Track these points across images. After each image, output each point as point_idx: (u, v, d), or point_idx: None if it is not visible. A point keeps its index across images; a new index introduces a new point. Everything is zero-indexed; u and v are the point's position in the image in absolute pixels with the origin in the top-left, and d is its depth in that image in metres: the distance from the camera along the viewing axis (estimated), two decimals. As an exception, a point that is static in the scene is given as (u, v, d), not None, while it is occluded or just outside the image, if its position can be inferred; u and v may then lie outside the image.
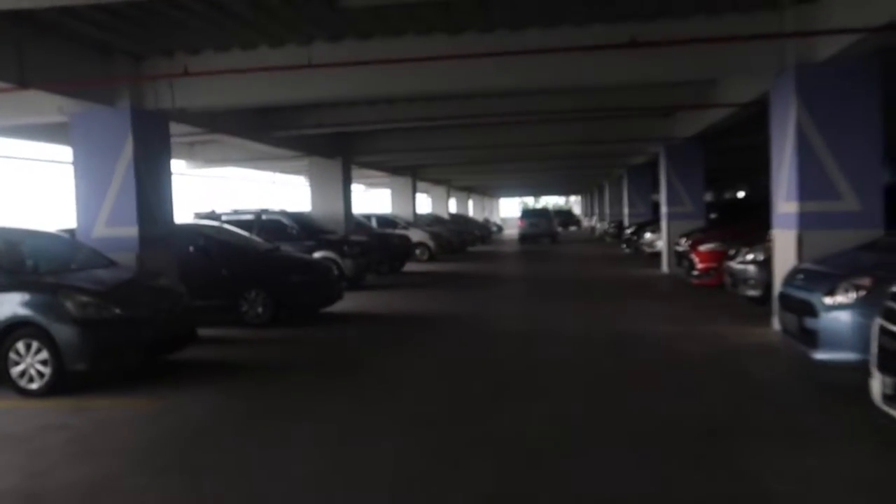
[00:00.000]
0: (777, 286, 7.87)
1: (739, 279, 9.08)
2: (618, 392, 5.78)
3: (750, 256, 8.99)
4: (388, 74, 7.93)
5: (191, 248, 9.78)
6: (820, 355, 5.43)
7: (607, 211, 30.98)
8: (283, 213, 14.62)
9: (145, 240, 8.65)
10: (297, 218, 14.71)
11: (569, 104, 11.71)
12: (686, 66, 7.75)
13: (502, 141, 15.54)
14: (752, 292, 8.89)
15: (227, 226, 11.94)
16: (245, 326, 9.44)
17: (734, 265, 9.24)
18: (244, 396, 6.02)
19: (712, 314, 9.29)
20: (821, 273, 5.85)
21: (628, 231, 21.84)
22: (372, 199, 37.50)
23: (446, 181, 30.86)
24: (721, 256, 10.94)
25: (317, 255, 13.94)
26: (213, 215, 14.52)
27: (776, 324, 7.84)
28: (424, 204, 35.00)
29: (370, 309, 11.18)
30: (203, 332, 7.82)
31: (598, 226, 35.05)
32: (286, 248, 13.40)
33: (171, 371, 6.92)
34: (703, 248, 11.25)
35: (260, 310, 9.58)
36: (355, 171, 20.98)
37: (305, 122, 12.44)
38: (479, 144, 15.55)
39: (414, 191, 24.54)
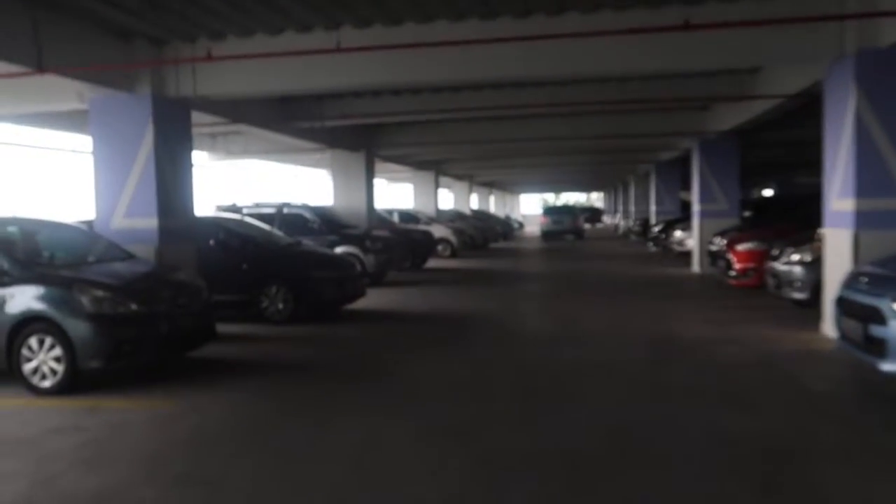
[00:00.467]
0: (829, 289, 7.43)
1: (784, 281, 8.60)
2: (667, 403, 5.36)
3: (796, 257, 8.51)
4: (418, 60, 7.58)
5: (211, 242, 9.49)
6: (888, 366, 4.97)
7: (632, 208, 30.36)
8: (305, 206, 14.34)
9: (165, 232, 8.38)
10: (319, 212, 14.43)
11: (601, 96, 11.28)
12: (738, 52, 7.28)
13: (530, 134, 15.11)
14: (798, 295, 8.40)
15: (248, 219, 11.66)
16: (265, 322, 9.15)
17: (778, 266, 8.75)
18: (264, 398, 5.69)
19: (755, 317, 8.81)
20: (889, 277, 5.38)
21: (655, 229, 21.29)
22: (395, 193, 37.31)
23: (469, 177, 30.45)
24: (761, 256, 10.45)
25: (338, 250, 13.67)
26: (234, 208, 14.31)
27: (827, 329, 7.39)
28: (447, 199, 34.66)
29: (393, 307, 10.84)
30: (222, 328, 7.53)
31: (623, 223, 34.43)
32: (308, 242, 13.24)
33: (189, 369, 6.62)
34: (741, 247, 10.76)
35: (280, 306, 9.27)
36: (378, 166, 20.65)
37: (328, 113, 12.13)
38: (505, 138, 15.13)
39: (437, 186, 24.17)
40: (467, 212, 29.59)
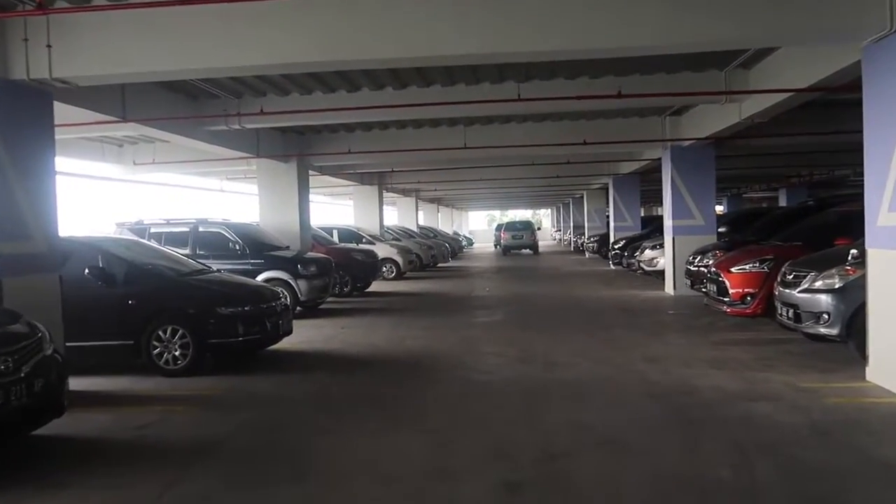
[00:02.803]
0: (876, 325, 5.87)
1: (805, 312, 7.03)
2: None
3: (819, 283, 6.95)
4: (341, 31, 5.74)
5: (86, 271, 7.32)
6: None
7: (587, 224, 29.07)
8: (226, 224, 12.24)
9: (10, 261, 6.20)
10: (243, 230, 12.35)
11: (568, 91, 9.68)
12: (760, 25, 5.71)
13: (483, 141, 13.38)
14: (825, 330, 6.83)
15: (144, 240, 9.53)
16: (157, 374, 7.07)
17: (796, 294, 7.18)
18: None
19: (771, 358, 7.22)
20: None
21: (616, 246, 19.88)
22: (338, 210, 35.08)
23: (415, 191, 28.61)
24: (761, 280, 8.94)
25: (265, 275, 11.68)
26: (138, 226, 12.12)
27: (876, 376, 5.82)
28: (392, 216, 32.73)
29: (327, 346, 8.85)
30: (96, 382, 5.56)
31: (577, 240, 33.19)
32: (226, 267, 11.19)
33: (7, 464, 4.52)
34: (737, 269, 9.21)
35: (177, 352, 7.19)
36: (317, 179, 18.65)
37: (245, 111, 10.10)
38: (452, 145, 13.37)
39: (381, 201, 22.24)
40: (414, 229, 27.75)
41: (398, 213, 30.97)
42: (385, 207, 27.67)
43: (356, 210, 22.43)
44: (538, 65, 9.01)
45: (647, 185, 22.15)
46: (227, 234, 11.94)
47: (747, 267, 9.17)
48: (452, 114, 10.37)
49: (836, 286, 6.76)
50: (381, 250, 18.57)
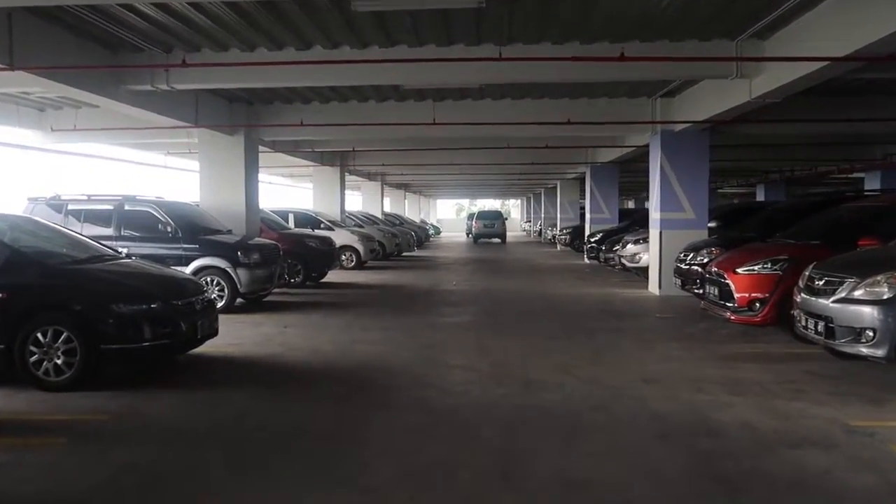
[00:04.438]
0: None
1: (841, 327, 5.78)
2: None
3: (861, 292, 5.70)
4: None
5: (-56, 255, 5.72)
6: None
7: (559, 215, 27.84)
8: (156, 203, 10.59)
9: None
10: (177, 210, 10.71)
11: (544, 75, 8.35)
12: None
13: (456, 118, 11.93)
14: (867, 350, 5.57)
15: (39, 218, 7.90)
16: (35, 387, 5.54)
17: (830, 304, 5.92)
18: None
19: (793, 378, 5.98)
20: None
21: (593, 239, 18.65)
22: (300, 194, 33.25)
23: (380, 175, 27.00)
24: (772, 283, 7.71)
25: (199, 263, 10.15)
26: (55, 201, 10.43)
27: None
28: (356, 202, 31.10)
29: (261, 349, 7.36)
30: None
31: (549, 232, 32.04)
32: (155, 252, 9.72)
33: None
34: (743, 270, 7.97)
35: (60, 360, 5.64)
36: (272, 157, 17.01)
37: (173, 61, 8.47)
38: (420, 121, 11.89)
39: (342, 184, 20.63)
40: (379, 215, 26.21)
41: (362, 199, 29.36)
42: (349, 192, 26.07)
43: (315, 193, 20.79)
44: (522, 23, 7.61)
45: (624, 177, 20.98)
46: (156, 215, 10.31)
47: (756, 268, 7.93)
48: (421, 78, 8.85)
49: (885, 296, 5.51)
50: (341, 237, 17.07)
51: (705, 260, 9.92)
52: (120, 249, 9.41)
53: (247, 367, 6.63)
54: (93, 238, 8.22)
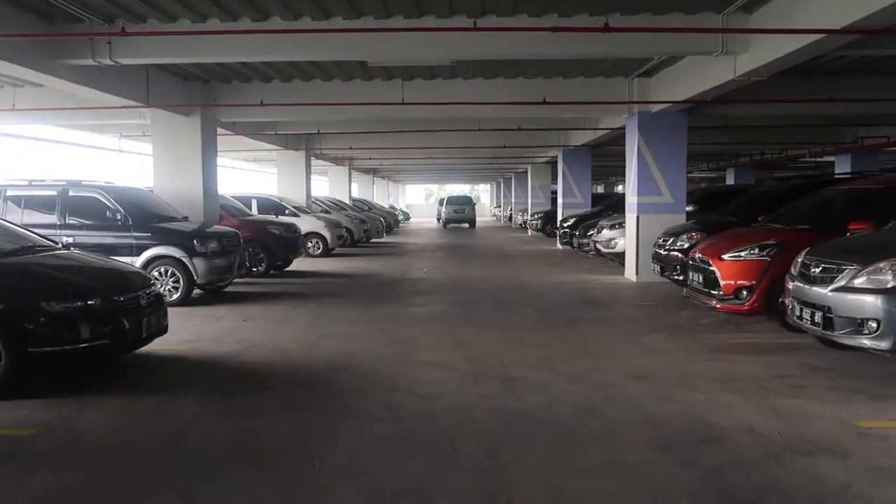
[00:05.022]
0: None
1: (840, 317, 5.40)
2: None
3: (862, 280, 5.32)
4: None
5: None
6: None
7: (531, 200, 27.44)
8: (104, 188, 9.83)
9: None
10: (127, 196, 9.98)
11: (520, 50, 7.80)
12: None
13: (422, 97, 11.34)
14: (870, 342, 5.20)
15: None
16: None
17: (828, 293, 5.53)
18: None
19: (789, 372, 5.62)
20: None
21: (566, 224, 18.27)
22: (265, 179, 32.30)
23: (348, 160, 26.22)
24: (760, 270, 7.35)
25: (151, 252, 9.52)
26: (-10, 188, 9.64)
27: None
28: (323, 187, 30.31)
29: (217, 347, 6.75)
30: None
31: (519, 217, 31.66)
32: (103, 241, 9.10)
33: None
34: (729, 256, 7.59)
35: (-21, 367, 4.99)
36: (234, 141, 16.23)
37: (119, 42, 7.73)
38: (388, 100, 11.27)
39: (308, 168, 19.89)
40: (347, 201, 25.50)
41: (329, 184, 28.59)
42: (316, 177, 25.30)
43: (280, 178, 20.02)
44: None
45: (594, 161, 20.58)
46: (104, 201, 9.58)
47: (743, 254, 7.56)
48: (389, 53, 8.21)
49: (890, 285, 5.14)
50: (306, 223, 16.42)
51: (686, 245, 9.56)
52: (63, 239, 8.81)
53: (199, 369, 6.03)
54: (35, 227, 7.56)
